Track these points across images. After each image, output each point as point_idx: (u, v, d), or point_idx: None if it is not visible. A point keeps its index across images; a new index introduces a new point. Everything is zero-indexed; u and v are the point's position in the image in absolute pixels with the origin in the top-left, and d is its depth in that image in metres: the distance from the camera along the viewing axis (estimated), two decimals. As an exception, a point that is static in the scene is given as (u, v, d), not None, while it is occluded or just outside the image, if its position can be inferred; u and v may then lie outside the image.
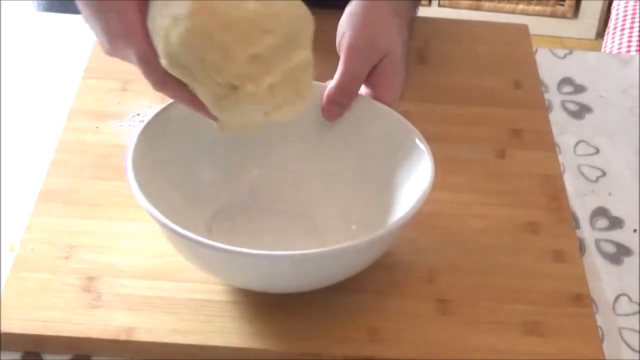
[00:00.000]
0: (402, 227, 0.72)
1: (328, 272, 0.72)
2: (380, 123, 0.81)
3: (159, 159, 0.77)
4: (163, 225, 0.70)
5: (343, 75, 0.79)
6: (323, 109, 0.80)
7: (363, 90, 0.81)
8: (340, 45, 0.80)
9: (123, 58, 0.75)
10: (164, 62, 0.71)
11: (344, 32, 0.80)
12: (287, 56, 0.72)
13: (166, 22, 0.70)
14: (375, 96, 0.80)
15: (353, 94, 0.80)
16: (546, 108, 0.97)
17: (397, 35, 0.81)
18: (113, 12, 0.73)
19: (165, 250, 0.76)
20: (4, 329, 0.72)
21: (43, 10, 1.11)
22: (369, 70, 0.79)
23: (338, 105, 0.80)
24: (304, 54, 0.73)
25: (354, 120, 0.82)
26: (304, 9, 0.73)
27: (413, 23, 0.86)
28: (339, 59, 0.80)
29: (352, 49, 0.79)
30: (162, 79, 0.72)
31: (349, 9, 0.82)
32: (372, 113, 0.81)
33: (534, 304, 0.77)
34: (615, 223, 0.87)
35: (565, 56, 1.07)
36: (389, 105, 0.80)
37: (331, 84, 0.80)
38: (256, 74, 0.71)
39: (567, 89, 1.02)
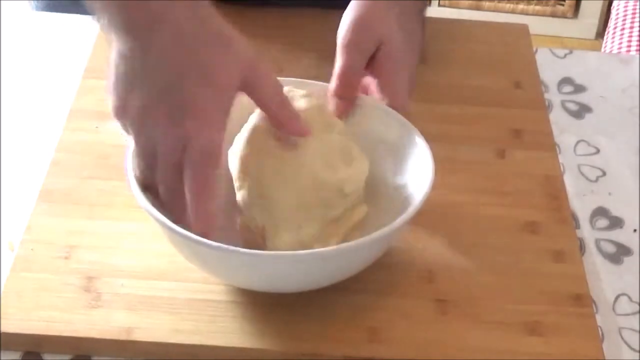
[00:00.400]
0: (402, 227, 0.72)
1: (328, 272, 0.72)
2: (380, 123, 0.81)
3: None
4: (163, 225, 0.70)
5: (340, 69, 0.80)
6: (332, 103, 0.80)
7: (372, 88, 0.82)
8: (337, 40, 0.81)
9: (163, 135, 0.67)
10: (241, 200, 0.72)
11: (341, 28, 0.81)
12: (352, 214, 0.75)
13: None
14: (380, 87, 0.81)
15: (353, 86, 0.80)
16: (546, 108, 0.97)
17: (394, 25, 0.81)
18: (209, 91, 0.67)
19: (165, 250, 0.76)
20: (4, 329, 0.72)
21: (41, 10, 1.11)
22: (366, 62, 0.80)
23: (341, 99, 0.80)
24: (363, 209, 0.76)
25: (354, 121, 0.82)
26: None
27: (423, 13, 0.86)
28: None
29: (345, 42, 0.80)
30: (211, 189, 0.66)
31: (349, 6, 0.83)
32: (372, 113, 0.81)
33: (534, 304, 0.77)
34: (615, 223, 0.87)
35: (565, 56, 1.07)
36: (396, 95, 0.80)
37: (331, 79, 0.80)
38: (326, 236, 0.73)
39: (567, 88, 1.02)
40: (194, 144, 0.66)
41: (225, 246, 0.68)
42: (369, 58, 0.81)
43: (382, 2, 0.82)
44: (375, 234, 0.70)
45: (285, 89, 0.75)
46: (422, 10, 0.87)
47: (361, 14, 0.81)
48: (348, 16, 0.81)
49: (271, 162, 0.72)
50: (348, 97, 0.80)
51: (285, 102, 0.73)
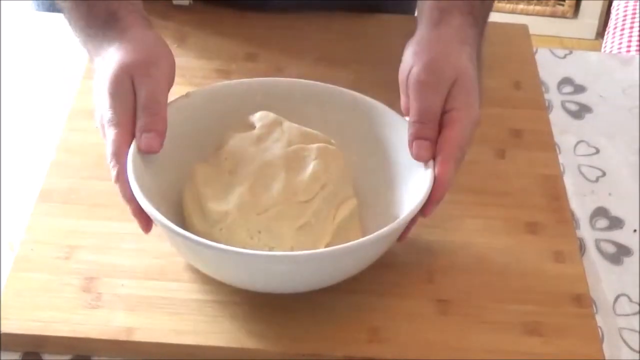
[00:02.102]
0: (400, 229, 0.72)
1: (328, 273, 0.72)
2: (381, 123, 0.81)
3: (159, 159, 0.77)
4: (164, 225, 0.70)
5: (420, 111, 0.76)
6: (412, 147, 0.76)
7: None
8: (409, 81, 0.78)
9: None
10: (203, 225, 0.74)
11: (411, 67, 0.78)
12: (334, 213, 0.75)
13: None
14: (451, 119, 0.76)
15: (435, 126, 0.76)
16: (546, 108, 0.97)
17: (467, 60, 0.79)
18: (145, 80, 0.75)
19: (165, 250, 0.76)
20: (4, 329, 0.72)
21: (43, 10, 1.11)
22: (443, 102, 0.76)
23: (426, 139, 0.76)
24: (351, 203, 0.76)
25: (355, 121, 0.82)
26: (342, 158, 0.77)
27: (480, 55, 0.83)
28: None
29: (420, 83, 0.77)
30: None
31: (413, 45, 0.80)
32: (373, 113, 0.81)
33: (534, 304, 0.77)
34: (615, 223, 0.87)
35: (565, 56, 1.07)
36: (468, 129, 0.76)
37: (410, 121, 0.77)
38: (310, 241, 0.73)
39: (567, 89, 1.02)
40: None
41: (225, 247, 0.68)
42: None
43: (454, 41, 0.80)
44: (375, 235, 0.70)
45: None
46: (480, 54, 0.83)
47: (435, 55, 0.78)
48: (419, 55, 0.78)
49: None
50: (432, 137, 0.76)
51: (155, 110, 0.75)
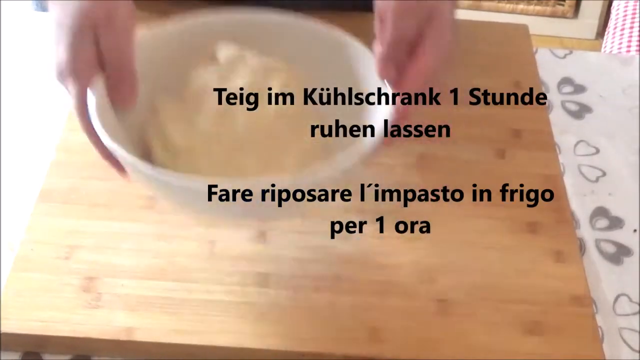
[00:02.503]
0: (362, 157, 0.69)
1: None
2: (350, 57, 0.79)
3: None
4: (128, 162, 0.67)
5: (394, 33, 0.75)
6: (378, 65, 0.76)
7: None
8: (384, 9, 0.77)
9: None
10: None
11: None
12: (298, 144, 0.73)
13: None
14: (420, 53, 0.76)
15: (406, 50, 0.76)
16: (546, 108, 0.97)
17: None
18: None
19: (165, 250, 0.76)
20: (4, 329, 0.72)
21: (43, 10, 1.11)
22: (420, 26, 0.76)
23: (393, 62, 0.75)
24: (315, 133, 0.75)
25: (326, 55, 0.80)
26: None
27: None
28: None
29: (399, 7, 0.76)
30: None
31: None
32: (344, 46, 0.80)
33: (534, 304, 0.77)
34: (615, 223, 0.87)
35: (565, 56, 1.07)
36: (434, 63, 0.75)
37: (380, 44, 0.76)
38: (274, 171, 0.71)
39: (567, 89, 1.02)
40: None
41: (187, 179, 0.66)
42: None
43: None
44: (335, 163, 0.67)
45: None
46: None
47: None
48: None
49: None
50: (398, 59, 0.75)
51: (123, 63, 0.73)
